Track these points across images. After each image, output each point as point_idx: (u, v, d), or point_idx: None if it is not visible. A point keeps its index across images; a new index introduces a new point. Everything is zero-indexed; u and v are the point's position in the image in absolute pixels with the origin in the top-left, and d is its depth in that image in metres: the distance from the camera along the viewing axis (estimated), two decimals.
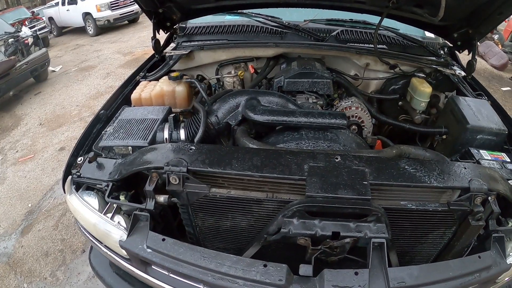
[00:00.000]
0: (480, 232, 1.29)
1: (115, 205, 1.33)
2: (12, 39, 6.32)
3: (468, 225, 1.23)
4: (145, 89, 1.79)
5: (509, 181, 1.40)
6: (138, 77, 2.02)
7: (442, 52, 2.37)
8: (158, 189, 1.22)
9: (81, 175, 1.37)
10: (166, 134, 1.45)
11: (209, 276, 1.03)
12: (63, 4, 12.04)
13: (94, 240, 1.45)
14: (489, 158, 1.55)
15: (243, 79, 2.21)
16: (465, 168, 1.27)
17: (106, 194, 1.28)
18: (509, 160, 1.57)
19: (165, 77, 1.85)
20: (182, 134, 1.47)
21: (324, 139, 1.42)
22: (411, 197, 1.22)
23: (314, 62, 1.97)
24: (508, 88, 6.15)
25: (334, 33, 2.12)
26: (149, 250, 1.13)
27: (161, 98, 1.75)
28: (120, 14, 11.39)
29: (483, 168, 1.36)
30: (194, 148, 1.21)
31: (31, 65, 6.59)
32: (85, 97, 6.14)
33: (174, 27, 2.24)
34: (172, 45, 2.29)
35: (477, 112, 1.73)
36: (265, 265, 1.00)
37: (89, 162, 1.37)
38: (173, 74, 1.76)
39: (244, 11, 2.20)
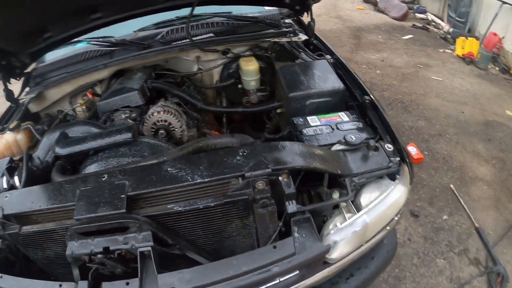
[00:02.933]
0: (286, 216, 1.23)
1: None
2: None
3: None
4: None
5: (336, 145, 1.37)
6: None
7: (286, 21, 2.35)
8: None
9: None
10: (4, 184, 1.53)
11: None
12: None
13: None
14: (318, 123, 1.50)
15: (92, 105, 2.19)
16: (244, 153, 1.23)
17: None
18: (347, 119, 1.51)
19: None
20: (17, 180, 1.54)
21: (114, 157, 1.49)
22: (183, 198, 1.20)
23: (137, 72, 2.01)
24: (410, 36, 6.42)
25: (158, 37, 2.13)
26: None
27: (9, 150, 1.81)
28: None
29: (274, 146, 1.28)
30: (8, 195, 1.35)
31: None
32: None
33: (25, 71, 2.20)
34: (28, 88, 2.28)
35: (305, 76, 1.70)
36: (60, 285, 1.14)
37: None
38: (11, 125, 1.83)
39: (81, 38, 2.18)
